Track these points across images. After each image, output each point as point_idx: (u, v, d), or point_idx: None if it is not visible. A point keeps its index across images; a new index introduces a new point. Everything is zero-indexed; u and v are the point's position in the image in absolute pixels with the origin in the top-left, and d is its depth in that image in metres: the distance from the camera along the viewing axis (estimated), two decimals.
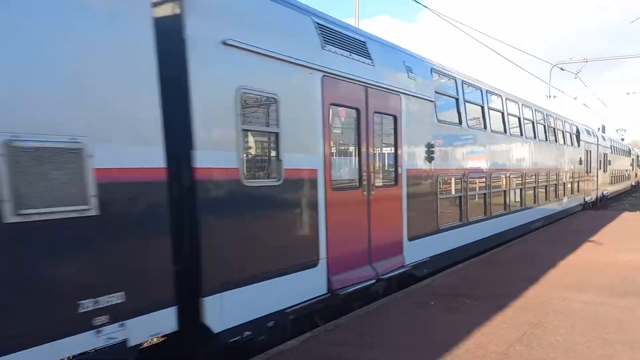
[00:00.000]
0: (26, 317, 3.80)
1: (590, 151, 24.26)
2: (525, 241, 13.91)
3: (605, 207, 27.46)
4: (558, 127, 19.11)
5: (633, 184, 43.58)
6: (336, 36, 7.28)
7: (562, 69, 28.68)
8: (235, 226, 5.53)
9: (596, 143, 26.09)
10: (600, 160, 27.01)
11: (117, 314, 4.32)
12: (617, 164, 34.06)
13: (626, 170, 38.68)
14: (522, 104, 15.09)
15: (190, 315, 5.04)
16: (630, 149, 44.24)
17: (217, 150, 5.32)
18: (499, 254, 11.87)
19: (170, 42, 4.91)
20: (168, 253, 4.76)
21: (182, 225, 5.05)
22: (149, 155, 4.61)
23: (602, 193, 28.00)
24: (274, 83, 6.02)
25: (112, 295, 4.29)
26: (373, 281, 7.70)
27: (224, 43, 5.35)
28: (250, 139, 6.05)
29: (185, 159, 5.06)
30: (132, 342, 4.48)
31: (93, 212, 4.14)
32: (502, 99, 13.50)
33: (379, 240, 7.96)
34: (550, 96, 29.30)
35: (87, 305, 4.12)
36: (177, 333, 4.88)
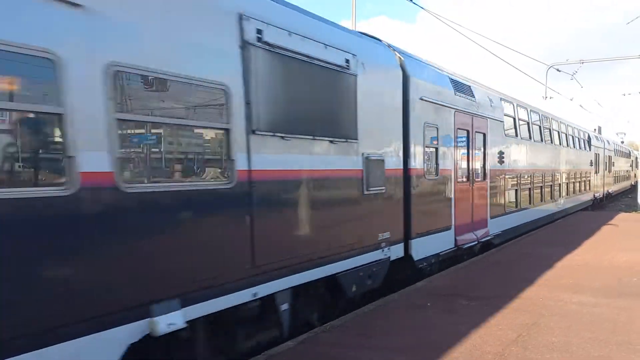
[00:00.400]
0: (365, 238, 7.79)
1: (598, 154, 27.61)
2: (522, 242, 13.98)
3: (602, 208, 27.63)
4: (575, 135, 23.14)
5: (632, 183, 44.18)
6: (459, 85, 11.29)
7: (558, 70, 28.78)
8: (425, 202, 9.65)
9: (602, 147, 29.51)
10: (605, 162, 30.38)
11: (387, 243, 8.28)
12: (619, 165, 37.24)
13: (627, 171, 42.01)
14: (551, 118, 19.30)
15: (405, 249, 8.95)
16: (630, 151, 46.25)
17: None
18: (497, 255, 11.93)
19: (404, 101, 8.92)
20: (401, 216, 8.79)
21: (408, 197, 9.03)
22: (399, 160, 8.76)
23: (608, 191, 31.30)
24: (437, 118, 10.08)
25: (386, 232, 8.25)
26: (475, 242, 11.80)
27: (420, 99, 9.43)
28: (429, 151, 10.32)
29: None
30: (391, 258, 8.46)
31: (384, 190, 8.13)
32: (539, 115, 17.75)
33: (477, 216, 12.04)
34: (546, 97, 29.41)
35: (380, 237, 8.11)
36: (402, 257, 8.83)
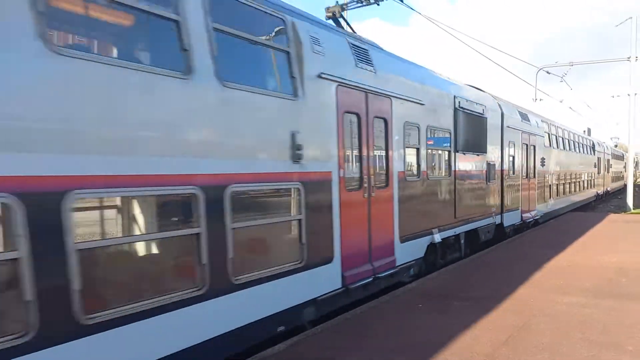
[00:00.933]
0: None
1: (600, 158, 32.96)
2: (513, 243, 14.06)
3: (593, 209, 27.92)
4: (585, 143, 28.66)
5: (625, 182, 45.52)
6: (523, 115, 16.95)
7: (548, 72, 29.00)
8: (510, 190, 15.14)
9: (602, 152, 35.23)
10: (605, 165, 35.75)
11: (494, 214, 13.92)
12: (615, 167, 43.56)
13: (621, 172, 46.15)
14: (568, 131, 24.68)
15: (500, 220, 14.44)
16: (623, 154, 49.70)
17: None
18: (488, 256, 11.99)
19: (502, 127, 14.47)
20: (499, 198, 14.21)
21: (502, 187, 14.56)
22: (500, 163, 14.53)
23: (607, 189, 37.03)
24: (514, 136, 15.66)
25: (494, 207, 13.94)
26: (532, 220, 17.69)
27: (507, 127, 14.87)
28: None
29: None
30: (496, 223, 14.04)
31: (495, 183, 14.02)
32: (562, 130, 23.33)
33: (529, 202, 17.27)
34: (536, 99, 29.60)
35: (492, 210, 13.76)
36: (499, 224, 14.43)
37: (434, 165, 10.53)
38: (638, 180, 54.54)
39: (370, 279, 7.98)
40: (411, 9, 14.11)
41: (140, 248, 4.97)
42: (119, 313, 4.37)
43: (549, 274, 9.92)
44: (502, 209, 14.51)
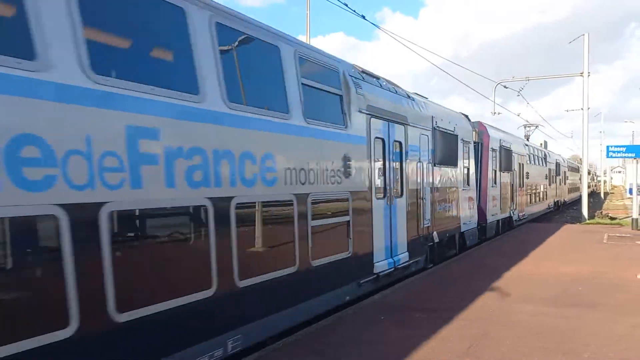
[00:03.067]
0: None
1: (553, 169, 34.25)
2: (473, 253, 14.25)
3: (549, 220, 28.64)
4: (554, 160, 34.60)
5: (581, 194, 47.27)
6: (535, 154, 26.23)
7: (505, 86, 29.76)
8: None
9: (562, 164, 38.58)
10: (562, 177, 38.51)
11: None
12: (572, 179, 46.69)
13: (576, 183, 48.40)
14: (546, 152, 31.77)
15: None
16: (578, 167, 50.91)
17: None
18: (448, 267, 12.10)
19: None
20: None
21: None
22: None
23: (564, 199, 39.61)
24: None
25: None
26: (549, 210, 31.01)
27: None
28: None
29: None
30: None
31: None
32: (544, 152, 30.61)
33: (527, 203, 23.95)
34: (494, 113, 30.33)
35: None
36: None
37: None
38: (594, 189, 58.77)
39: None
40: (374, 24, 14.34)
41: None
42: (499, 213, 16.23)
43: (509, 283, 10.07)
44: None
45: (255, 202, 6.20)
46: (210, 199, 5.34)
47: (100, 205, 4.23)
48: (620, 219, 26.53)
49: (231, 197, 5.65)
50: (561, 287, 9.66)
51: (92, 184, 4.17)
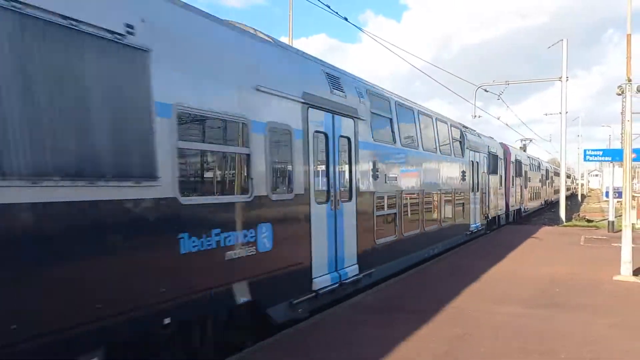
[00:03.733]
0: None
1: (544, 174, 41.79)
2: (453, 255, 14.36)
3: (527, 222, 29.05)
4: (545, 167, 42.36)
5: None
6: (533, 163, 35.64)
7: (486, 90, 30.09)
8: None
9: (549, 170, 46.02)
10: (550, 180, 45.66)
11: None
12: (557, 182, 51.43)
13: (557, 185, 53.60)
14: (540, 161, 39.40)
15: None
16: (558, 171, 55.05)
17: None
18: (429, 268, 12.17)
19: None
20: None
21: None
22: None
23: (550, 199, 47.02)
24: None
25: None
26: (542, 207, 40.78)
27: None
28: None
29: None
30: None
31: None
32: (539, 161, 39.21)
33: (521, 199, 30.57)
34: (475, 116, 30.67)
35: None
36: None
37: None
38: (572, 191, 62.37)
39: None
40: (356, 27, 14.45)
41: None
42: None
43: (487, 284, 10.17)
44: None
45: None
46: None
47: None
48: (596, 222, 27.01)
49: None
50: (539, 288, 9.78)
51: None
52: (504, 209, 23.97)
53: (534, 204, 35.70)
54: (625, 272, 10.86)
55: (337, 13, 12.92)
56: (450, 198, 15.27)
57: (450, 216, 15.39)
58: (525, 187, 30.51)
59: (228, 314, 6.41)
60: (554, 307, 8.35)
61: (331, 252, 8.51)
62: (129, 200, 4.73)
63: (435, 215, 14.06)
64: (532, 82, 33.53)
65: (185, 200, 5.38)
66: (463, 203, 16.59)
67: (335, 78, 9.03)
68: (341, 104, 8.97)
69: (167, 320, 5.14)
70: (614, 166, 20.55)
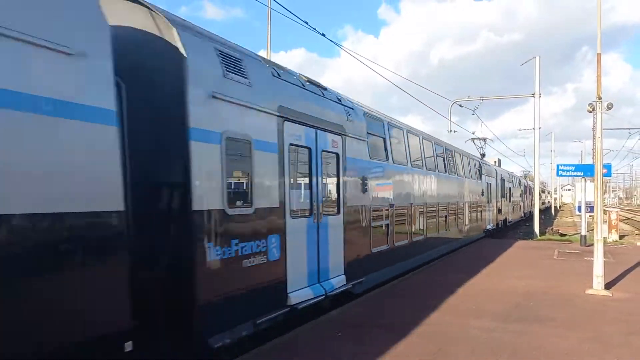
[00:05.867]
0: None
1: (523, 190, 46.62)
2: (430, 269, 14.43)
3: (504, 236, 29.43)
4: (524, 184, 48.40)
5: (540, 208, 51.25)
6: (514, 180, 42.46)
7: (460, 105, 30.57)
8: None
9: (526, 186, 49.79)
10: (527, 195, 49.07)
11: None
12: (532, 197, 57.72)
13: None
14: (519, 178, 48.50)
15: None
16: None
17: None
18: (405, 283, 12.19)
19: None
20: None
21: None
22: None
23: (530, 211, 48.61)
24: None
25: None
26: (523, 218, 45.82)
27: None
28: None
29: None
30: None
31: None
32: (519, 178, 47.56)
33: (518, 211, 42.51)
34: (450, 131, 31.11)
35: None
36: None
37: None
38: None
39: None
40: (334, 42, 14.63)
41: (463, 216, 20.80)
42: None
43: (462, 298, 10.23)
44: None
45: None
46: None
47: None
48: (569, 236, 27.49)
49: None
50: (513, 302, 9.88)
51: None
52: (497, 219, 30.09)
53: (516, 216, 41.43)
54: (597, 286, 11.05)
55: (315, 29, 13.01)
56: (474, 208, 22.83)
57: (475, 219, 23.23)
58: (509, 201, 36.05)
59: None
60: (528, 321, 8.44)
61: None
62: None
63: (464, 220, 21.13)
64: (506, 98, 34.22)
65: None
66: (481, 211, 24.62)
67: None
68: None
69: None
70: (585, 181, 20.98)
